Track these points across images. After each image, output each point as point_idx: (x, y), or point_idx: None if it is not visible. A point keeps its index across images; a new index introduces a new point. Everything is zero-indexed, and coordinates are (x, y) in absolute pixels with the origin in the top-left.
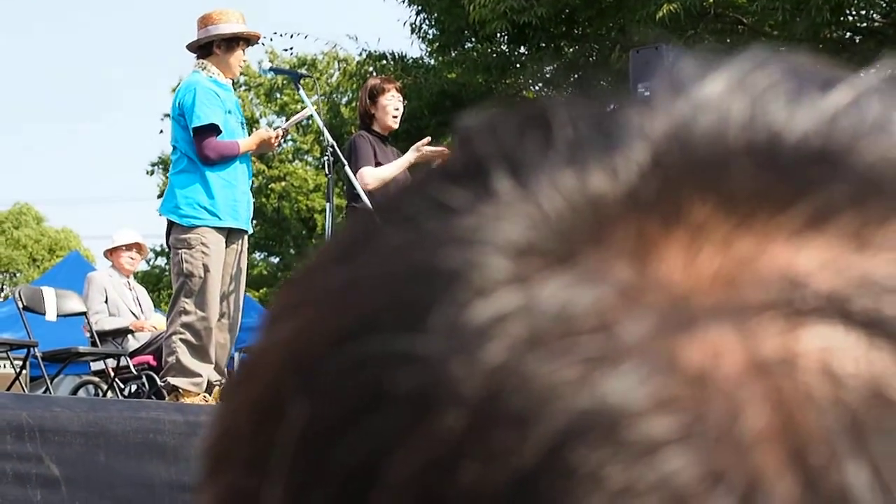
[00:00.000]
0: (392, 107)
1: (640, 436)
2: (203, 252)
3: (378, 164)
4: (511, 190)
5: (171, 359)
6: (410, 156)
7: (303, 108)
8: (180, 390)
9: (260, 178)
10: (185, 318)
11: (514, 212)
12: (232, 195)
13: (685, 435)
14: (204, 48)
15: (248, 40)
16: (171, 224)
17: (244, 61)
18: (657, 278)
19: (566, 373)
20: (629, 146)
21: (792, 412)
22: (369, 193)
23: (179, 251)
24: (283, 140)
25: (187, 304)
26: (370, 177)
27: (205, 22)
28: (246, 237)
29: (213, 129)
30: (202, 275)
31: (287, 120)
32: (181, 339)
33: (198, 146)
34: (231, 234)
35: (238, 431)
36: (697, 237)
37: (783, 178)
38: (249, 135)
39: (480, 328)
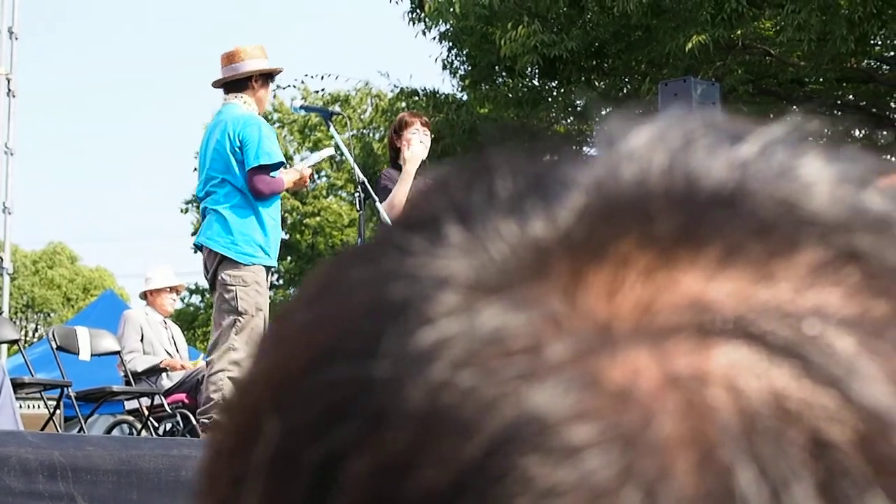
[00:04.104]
0: (416, 140)
1: (563, 441)
2: (257, 290)
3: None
4: (460, 236)
5: (217, 395)
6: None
7: (335, 145)
8: None
9: (294, 214)
10: (234, 356)
11: (461, 254)
12: (277, 234)
13: (603, 440)
14: (237, 83)
15: (272, 76)
16: (221, 258)
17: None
18: (584, 307)
19: (498, 388)
20: (563, 195)
21: (699, 421)
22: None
23: (233, 288)
24: (310, 178)
25: (237, 341)
26: (387, 206)
27: (238, 57)
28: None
29: (274, 168)
30: (254, 313)
31: (315, 156)
32: (231, 378)
33: (253, 181)
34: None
35: (225, 452)
36: (620, 271)
37: (698, 218)
38: None
39: (425, 352)
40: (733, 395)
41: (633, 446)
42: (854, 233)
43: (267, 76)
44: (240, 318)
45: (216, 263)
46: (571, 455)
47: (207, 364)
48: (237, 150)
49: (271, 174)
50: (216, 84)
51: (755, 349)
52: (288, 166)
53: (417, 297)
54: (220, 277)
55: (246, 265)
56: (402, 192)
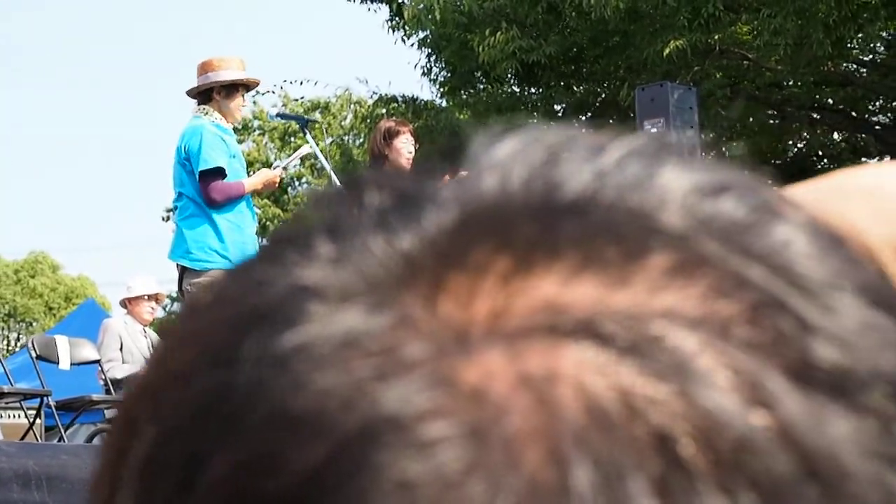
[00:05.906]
0: (406, 150)
1: (417, 437)
2: None
3: None
4: (329, 248)
5: None
6: None
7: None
8: None
9: (275, 221)
10: None
11: (328, 265)
12: (241, 238)
13: (455, 435)
14: (204, 94)
15: (247, 86)
16: (183, 269)
17: (243, 106)
18: (441, 312)
19: (353, 388)
20: (429, 208)
21: (547, 418)
22: None
23: None
24: (282, 177)
25: None
26: None
27: (205, 69)
28: None
29: (219, 173)
30: None
31: (291, 157)
32: None
33: (204, 189)
34: None
35: (107, 459)
36: (478, 277)
37: (555, 226)
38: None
39: (283, 355)
40: (580, 393)
41: (483, 441)
42: (702, 239)
43: (232, 87)
44: None
45: (180, 274)
46: (424, 450)
47: None
48: (185, 161)
49: (224, 180)
50: (189, 95)
51: (603, 349)
52: (227, 172)
53: (281, 305)
54: (184, 288)
55: (203, 271)
56: None
